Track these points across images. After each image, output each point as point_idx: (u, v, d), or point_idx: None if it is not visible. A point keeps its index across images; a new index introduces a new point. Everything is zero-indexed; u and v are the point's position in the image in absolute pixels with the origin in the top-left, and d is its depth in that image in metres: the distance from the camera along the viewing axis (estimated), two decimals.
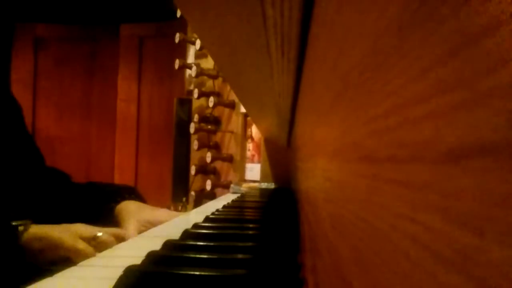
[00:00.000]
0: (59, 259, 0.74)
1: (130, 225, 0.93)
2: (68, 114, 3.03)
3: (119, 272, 0.43)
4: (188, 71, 2.00)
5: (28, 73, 2.99)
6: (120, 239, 0.81)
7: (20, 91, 2.85)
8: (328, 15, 0.30)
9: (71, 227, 0.79)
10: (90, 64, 3.04)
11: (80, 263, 0.53)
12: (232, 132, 1.84)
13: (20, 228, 0.73)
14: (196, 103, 2.01)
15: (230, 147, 1.85)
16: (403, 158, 0.13)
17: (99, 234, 0.79)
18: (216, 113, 1.91)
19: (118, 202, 1.00)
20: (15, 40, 2.96)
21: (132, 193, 1.07)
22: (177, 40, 1.95)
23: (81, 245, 0.75)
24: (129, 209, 0.98)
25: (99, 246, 0.77)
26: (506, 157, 0.07)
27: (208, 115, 1.92)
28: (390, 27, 0.14)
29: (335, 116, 0.27)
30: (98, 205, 1.00)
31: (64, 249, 0.74)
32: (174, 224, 0.87)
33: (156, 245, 0.56)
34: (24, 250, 0.72)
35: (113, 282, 0.42)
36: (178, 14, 1.84)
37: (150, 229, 0.84)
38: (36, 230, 0.75)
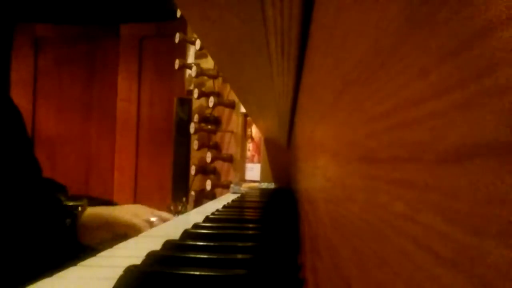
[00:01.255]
0: (116, 237, 0.76)
1: (162, 213, 0.92)
2: (68, 114, 3.03)
3: (119, 272, 0.43)
4: (188, 71, 2.00)
5: (28, 74, 2.99)
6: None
7: (20, 92, 2.85)
8: (328, 15, 0.30)
9: (128, 207, 0.81)
10: (90, 64, 3.04)
11: (80, 263, 0.53)
12: (232, 132, 1.84)
13: (79, 208, 0.74)
14: (196, 103, 2.01)
15: (230, 147, 1.85)
16: (403, 158, 0.13)
17: (153, 219, 0.80)
18: (216, 113, 1.91)
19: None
20: (15, 40, 2.96)
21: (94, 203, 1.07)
22: (177, 40, 1.95)
23: (137, 220, 0.77)
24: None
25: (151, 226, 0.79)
26: (506, 157, 0.07)
27: (208, 115, 1.92)
28: (390, 27, 0.14)
29: (335, 116, 0.27)
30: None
31: (121, 225, 0.76)
32: (174, 224, 0.87)
33: (156, 245, 0.56)
34: (77, 230, 0.74)
35: (113, 282, 0.42)
36: (178, 14, 1.84)
37: (150, 229, 0.84)
38: (93, 210, 0.77)
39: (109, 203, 1.13)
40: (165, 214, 0.88)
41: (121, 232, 0.77)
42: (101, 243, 0.76)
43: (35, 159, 1.06)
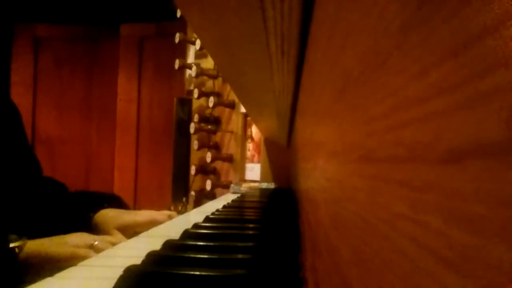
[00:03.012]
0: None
1: (115, 235, 0.92)
2: (68, 114, 3.03)
3: (119, 272, 0.43)
4: (188, 71, 2.00)
5: (28, 73, 2.99)
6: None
7: (20, 92, 2.85)
8: (328, 15, 0.30)
9: (67, 238, 0.79)
10: (90, 64, 3.04)
11: (80, 263, 0.53)
12: (232, 132, 1.84)
13: (16, 249, 0.73)
14: (196, 103, 2.01)
15: (230, 147, 1.85)
16: (403, 158, 0.13)
17: (96, 242, 0.79)
18: (216, 113, 1.91)
19: (96, 211, 0.99)
20: (15, 40, 2.96)
21: (112, 201, 1.06)
22: (177, 40, 1.95)
23: (81, 251, 0.76)
24: (106, 217, 0.97)
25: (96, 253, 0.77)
26: (506, 157, 0.07)
27: (208, 115, 1.92)
28: (390, 27, 0.14)
29: (335, 116, 0.27)
30: (79, 214, 0.99)
31: (64, 260, 0.75)
32: (174, 224, 0.87)
33: (156, 245, 0.56)
34: (21, 270, 0.73)
35: (113, 282, 0.42)
36: (178, 14, 1.84)
37: (150, 229, 0.84)
38: (33, 247, 0.76)
39: (115, 197, 1.12)
40: (108, 238, 0.86)
41: (63, 265, 0.76)
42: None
43: (35, 158, 1.06)
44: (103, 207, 1.01)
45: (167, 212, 1.05)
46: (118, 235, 0.92)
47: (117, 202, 1.08)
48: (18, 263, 0.72)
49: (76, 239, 0.79)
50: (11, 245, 0.73)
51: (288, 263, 0.49)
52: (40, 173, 1.07)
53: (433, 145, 0.10)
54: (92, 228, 0.95)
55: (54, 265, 0.74)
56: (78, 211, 1.00)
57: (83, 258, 0.74)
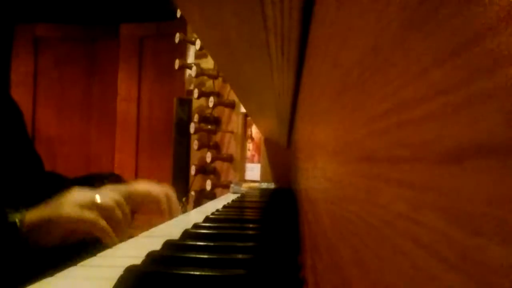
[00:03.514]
0: (70, 234, 0.73)
1: (107, 191, 0.90)
2: (68, 114, 3.03)
3: (119, 272, 0.43)
4: (188, 71, 2.00)
5: (28, 73, 2.99)
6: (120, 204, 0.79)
7: (20, 91, 2.85)
8: (328, 15, 0.30)
9: (67, 198, 0.76)
10: (90, 64, 3.04)
11: (80, 263, 0.53)
12: (232, 132, 1.84)
13: (18, 222, 0.72)
14: (196, 103, 2.01)
15: (230, 147, 1.85)
16: (403, 158, 0.13)
17: (97, 197, 0.76)
18: (216, 113, 1.91)
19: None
20: (15, 40, 2.96)
21: (112, 178, 1.06)
22: (177, 40, 1.95)
23: (87, 214, 0.73)
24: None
25: (103, 212, 0.75)
26: (506, 157, 0.07)
27: (208, 115, 1.92)
28: (390, 27, 0.14)
29: (335, 116, 0.27)
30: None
31: (71, 223, 0.73)
32: (174, 224, 0.87)
33: (156, 245, 0.56)
34: (27, 242, 0.72)
35: (113, 282, 0.42)
36: (178, 14, 1.84)
37: (150, 229, 0.84)
38: (34, 215, 0.74)
39: (114, 175, 1.12)
40: (106, 191, 0.82)
41: (72, 229, 0.73)
42: (67, 242, 0.73)
43: (37, 154, 1.06)
44: (103, 184, 1.00)
45: (164, 193, 1.04)
46: (108, 193, 0.90)
47: (116, 179, 1.08)
48: (21, 237, 0.71)
49: (75, 197, 0.76)
50: (11, 219, 0.71)
51: (288, 263, 0.49)
52: (42, 168, 1.07)
53: (433, 145, 0.10)
54: None
55: (62, 229, 0.73)
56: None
57: (90, 222, 0.73)
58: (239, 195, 1.47)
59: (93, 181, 1.03)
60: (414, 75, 0.12)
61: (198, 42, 1.83)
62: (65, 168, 2.89)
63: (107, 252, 0.62)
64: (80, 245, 0.73)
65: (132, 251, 0.60)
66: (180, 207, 1.08)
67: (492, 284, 0.08)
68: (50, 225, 0.73)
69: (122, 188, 0.93)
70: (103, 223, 0.73)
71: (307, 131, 0.57)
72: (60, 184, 1.04)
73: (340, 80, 0.25)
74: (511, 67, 0.07)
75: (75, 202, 0.75)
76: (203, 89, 1.91)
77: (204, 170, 1.92)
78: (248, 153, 1.82)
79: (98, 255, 0.59)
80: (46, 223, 0.73)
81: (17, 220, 0.72)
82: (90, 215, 0.73)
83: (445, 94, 0.10)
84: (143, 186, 1.00)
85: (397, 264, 0.13)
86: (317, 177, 0.40)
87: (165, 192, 1.01)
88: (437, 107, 0.10)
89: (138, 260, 0.48)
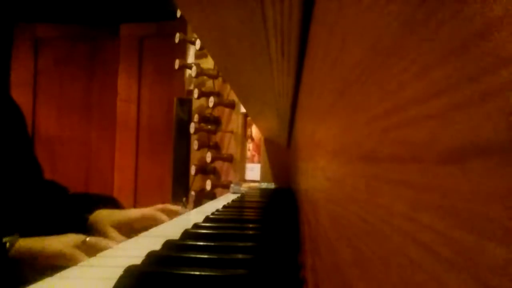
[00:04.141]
0: (53, 268, 0.74)
1: (110, 233, 0.93)
2: (68, 114, 3.03)
3: (119, 272, 0.43)
4: (188, 71, 2.00)
5: (28, 73, 2.99)
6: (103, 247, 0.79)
7: (20, 91, 2.85)
8: (328, 15, 0.30)
9: (60, 238, 0.79)
10: (90, 64, 3.04)
11: (80, 263, 0.53)
12: (232, 132, 1.84)
13: (8, 244, 0.73)
14: (196, 103, 2.01)
15: (230, 147, 1.85)
16: (403, 158, 0.13)
17: (88, 238, 0.79)
18: (216, 113, 1.91)
19: (91, 212, 1.00)
20: (15, 40, 2.96)
21: (108, 203, 1.07)
22: (177, 40, 1.95)
23: (69, 250, 0.76)
24: (99, 216, 0.98)
25: (88, 250, 0.76)
26: (506, 157, 0.07)
27: (208, 115, 1.92)
28: (390, 27, 0.14)
29: (335, 116, 0.27)
30: (75, 216, 1.00)
31: (53, 257, 0.74)
32: (174, 224, 0.87)
33: (156, 245, 0.56)
34: (13, 265, 0.73)
35: (113, 282, 0.42)
36: (178, 14, 1.84)
37: (150, 229, 0.84)
38: (24, 243, 0.75)
39: (110, 199, 1.14)
40: (101, 238, 0.85)
41: (51, 263, 0.74)
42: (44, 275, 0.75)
43: (36, 161, 1.06)
44: (98, 208, 1.01)
45: (159, 206, 1.06)
46: (113, 233, 0.93)
47: (112, 203, 1.09)
48: (8, 258, 0.72)
49: (67, 238, 0.79)
50: (3, 240, 0.73)
51: (288, 263, 0.49)
52: (41, 176, 1.07)
53: (433, 145, 0.10)
54: (88, 229, 0.95)
55: (44, 262, 0.74)
56: (75, 213, 1.00)
57: (70, 256, 0.74)
58: (239, 195, 1.47)
59: (89, 202, 1.04)
60: (414, 75, 0.12)
61: (198, 42, 1.83)
62: (65, 168, 2.89)
63: (107, 252, 0.62)
64: None
65: (132, 251, 0.60)
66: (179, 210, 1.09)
67: (492, 284, 0.08)
68: (36, 256, 0.75)
69: (121, 220, 0.95)
70: (82, 258, 0.74)
71: (307, 131, 0.57)
72: (57, 196, 1.05)
73: (340, 80, 0.25)
74: (511, 67, 0.07)
75: (64, 242, 0.77)
76: (203, 89, 1.91)
77: (204, 170, 1.92)
78: (248, 153, 1.82)
79: (98, 255, 0.60)
80: (33, 253, 0.75)
81: (7, 243, 0.73)
82: (72, 252, 0.75)
83: (445, 94, 0.10)
84: (135, 212, 1.03)
85: (397, 264, 0.13)
86: (317, 177, 0.40)
87: (162, 210, 1.04)
88: (437, 107, 0.10)
89: (138, 260, 0.48)
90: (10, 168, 0.91)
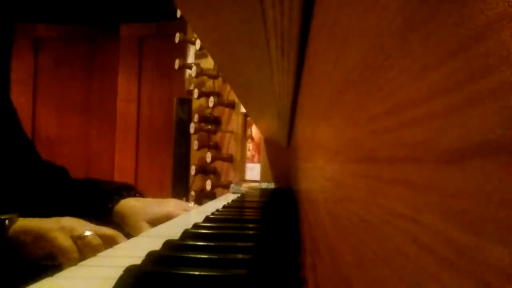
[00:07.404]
0: (49, 254, 0.71)
1: (143, 228, 0.87)
2: (68, 114, 3.03)
3: (119, 272, 0.43)
4: (188, 71, 2.00)
5: (28, 73, 2.99)
6: (110, 241, 0.75)
7: (20, 91, 2.85)
8: (328, 15, 0.30)
9: (62, 221, 0.75)
10: (90, 64, 3.04)
11: (80, 263, 0.53)
12: (232, 132, 1.84)
13: (7, 221, 0.71)
14: (196, 103, 2.01)
15: (230, 147, 1.85)
16: (403, 158, 0.13)
17: (87, 233, 0.74)
18: (216, 113, 1.91)
19: (116, 201, 0.93)
20: (15, 40, 2.96)
21: (131, 190, 1.00)
22: (177, 40, 1.95)
23: (66, 243, 0.71)
24: (134, 209, 0.91)
25: (84, 247, 0.72)
26: (506, 157, 0.07)
27: (208, 115, 1.92)
28: (390, 27, 0.14)
29: (335, 116, 0.27)
30: (95, 203, 0.93)
31: (50, 243, 0.72)
32: (174, 224, 0.87)
33: (156, 245, 0.56)
34: (11, 244, 0.71)
35: (113, 282, 0.42)
36: (178, 14, 1.84)
37: (150, 229, 0.84)
38: (24, 223, 0.73)
39: (128, 185, 1.06)
40: (106, 230, 0.78)
41: (47, 249, 0.71)
42: (46, 260, 0.71)
43: (31, 142, 1.04)
44: (122, 196, 0.95)
45: (190, 204, 1.02)
46: (145, 228, 0.86)
47: (135, 191, 1.02)
48: (8, 236, 0.70)
49: (72, 224, 0.75)
50: (1, 216, 0.71)
51: (288, 263, 0.49)
52: (38, 156, 1.03)
53: (433, 145, 0.10)
54: (111, 219, 0.90)
55: (43, 245, 0.71)
56: (86, 199, 0.94)
57: (64, 249, 0.71)
58: (239, 195, 1.47)
59: (109, 189, 0.98)
60: (414, 74, 0.12)
61: (198, 42, 1.83)
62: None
63: (107, 252, 0.62)
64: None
65: (132, 251, 0.60)
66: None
67: (492, 284, 0.08)
68: (37, 239, 0.72)
69: (160, 215, 0.91)
70: (75, 255, 0.71)
71: (307, 131, 0.57)
72: (57, 175, 1.01)
73: (340, 80, 0.25)
74: (511, 67, 0.07)
75: (69, 230, 0.73)
76: (203, 89, 1.91)
77: (204, 170, 1.92)
78: (248, 153, 1.82)
79: (98, 255, 0.59)
80: (35, 235, 0.72)
81: (7, 221, 0.72)
82: (72, 248, 0.71)
83: (445, 94, 0.10)
84: (178, 206, 0.97)
85: (397, 264, 0.13)
86: (317, 177, 0.40)
87: (181, 207, 0.99)
88: (437, 107, 0.10)
89: (138, 260, 0.48)
90: (4, 148, 0.89)
